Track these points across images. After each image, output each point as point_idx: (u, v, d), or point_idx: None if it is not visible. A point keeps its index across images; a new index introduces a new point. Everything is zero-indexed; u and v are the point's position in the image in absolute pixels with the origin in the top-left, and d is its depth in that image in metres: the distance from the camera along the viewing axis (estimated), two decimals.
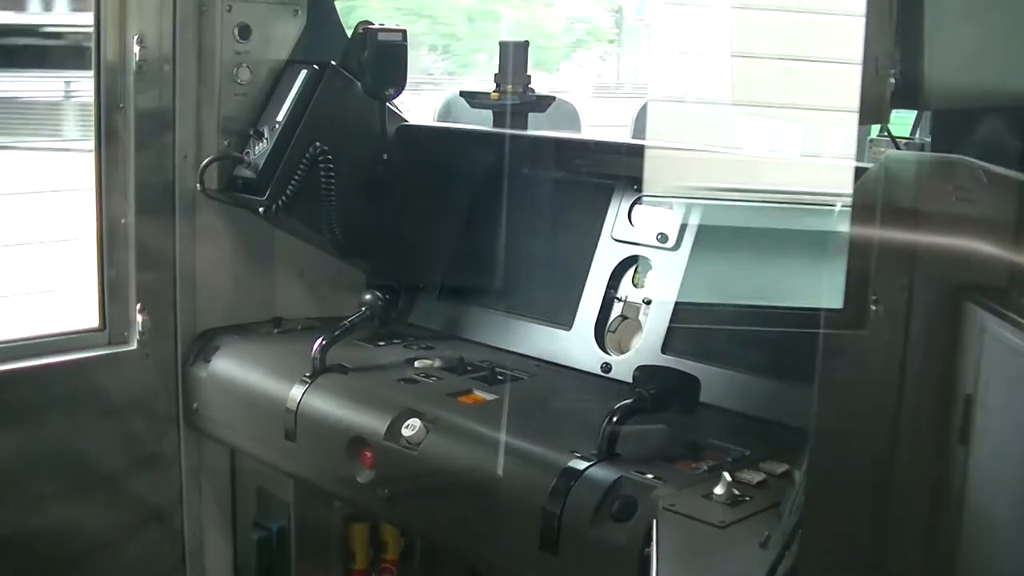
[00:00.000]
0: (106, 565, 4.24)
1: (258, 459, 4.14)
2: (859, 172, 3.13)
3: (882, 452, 1.92)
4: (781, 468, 3.04)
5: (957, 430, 1.81)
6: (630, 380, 3.34)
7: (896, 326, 1.88)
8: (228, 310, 4.45)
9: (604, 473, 3.03)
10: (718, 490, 2.85)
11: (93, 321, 4.27)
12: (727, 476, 2.88)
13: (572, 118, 5.94)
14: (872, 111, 2.57)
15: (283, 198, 4.17)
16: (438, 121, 5.71)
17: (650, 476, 3.00)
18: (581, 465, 3.07)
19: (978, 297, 1.79)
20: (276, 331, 4.43)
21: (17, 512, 3.98)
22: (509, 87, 4.47)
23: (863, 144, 4.63)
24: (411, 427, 3.47)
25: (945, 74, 2.40)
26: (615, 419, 3.14)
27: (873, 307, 1.91)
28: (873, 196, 2.02)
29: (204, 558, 4.53)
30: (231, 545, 4.59)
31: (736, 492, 2.86)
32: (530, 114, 4.56)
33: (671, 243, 3.86)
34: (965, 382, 1.80)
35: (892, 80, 2.49)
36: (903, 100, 2.51)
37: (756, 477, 2.99)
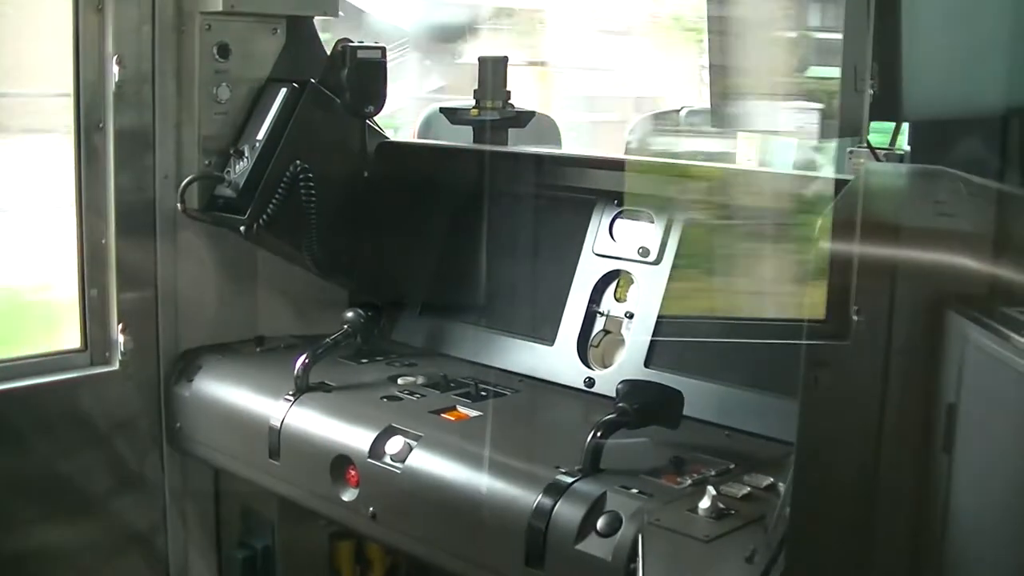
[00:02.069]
0: None
1: (242, 478, 4.12)
2: (839, 184, 3.16)
3: (866, 462, 1.93)
4: (766, 481, 3.04)
5: (940, 439, 1.82)
6: (613, 394, 3.34)
7: (878, 337, 1.89)
8: (210, 329, 4.44)
9: (589, 488, 3.03)
10: (703, 504, 2.85)
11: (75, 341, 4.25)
12: (712, 490, 2.88)
13: (552, 133, 5.93)
14: (851, 124, 2.58)
15: (264, 217, 4.16)
16: (418, 138, 5.71)
17: (635, 491, 3.00)
18: (566, 480, 3.07)
19: (960, 307, 1.79)
20: (259, 350, 4.42)
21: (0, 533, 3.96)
22: (489, 103, 4.47)
23: (842, 155, 4.64)
24: (395, 444, 3.47)
25: (924, 86, 2.41)
26: (599, 434, 3.14)
27: (855, 318, 1.92)
28: (853, 208, 2.03)
29: None
30: (216, 565, 4.57)
31: (721, 506, 2.86)
32: (510, 129, 4.56)
33: (653, 257, 3.86)
34: (948, 391, 1.81)
35: (871, 92, 2.50)
36: (882, 112, 2.52)
37: (741, 490, 2.98)
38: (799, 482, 2.11)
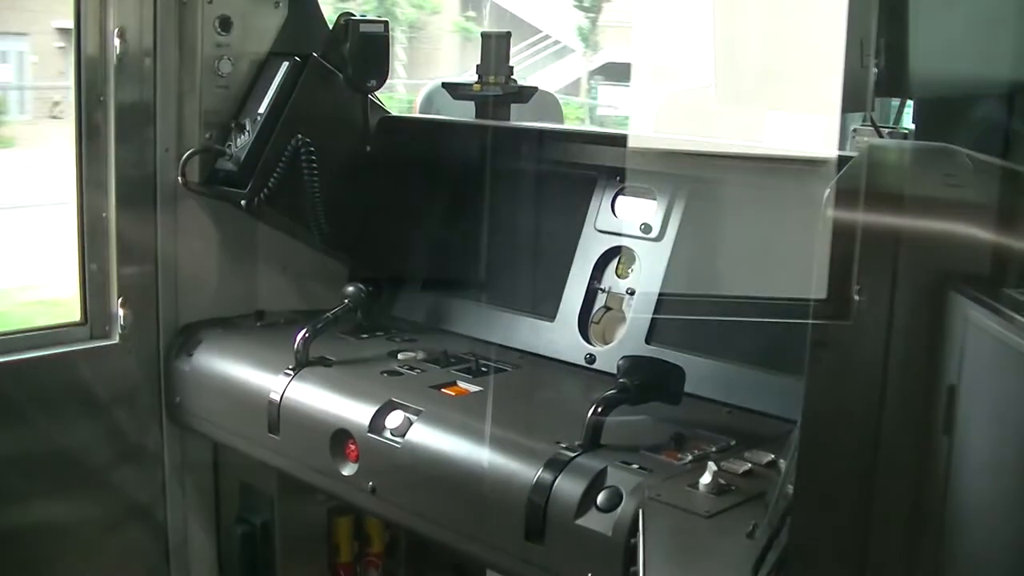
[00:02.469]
0: (89, 561, 4.23)
1: (242, 453, 4.12)
2: (842, 161, 3.15)
3: (868, 442, 1.92)
4: (766, 458, 3.03)
5: (941, 420, 1.81)
6: (614, 371, 3.33)
7: (880, 316, 1.87)
8: (210, 303, 4.44)
9: (589, 463, 3.02)
10: (704, 480, 2.85)
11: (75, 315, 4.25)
12: (713, 466, 2.88)
13: (554, 109, 5.91)
14: (855, 99, 2.56)
15: (265, 191, 4.16)
16: (420, 113, 5.69)
17: (635, 466, 3.00)
18: (566, 455, 3.06)
19: (962, 286, 1.78)
20: (259, 324, 4.42)
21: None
22: (491, 78, 4.45)
23: (846, 133, 4.63)
24: (395, 419, 3.46)
25: (929, 62, 2.40)
26: (599, 410, 3.14)
27: (857, 297, 1.91)
28: (856, 184, 2.02)
29: (188, 553, 4.51)
30: (215, 540, 4.58)
31: (722, 481, 2.86)
32: (512, 105, 4.54)
33: (655, 233, 3.85)
34: (949, 372, 1.80)
35: (875, 68, 2.49)
36: (888, 88, 2.51)
37: (741, 467, 2.98)
38: (803, 461, 2.10)
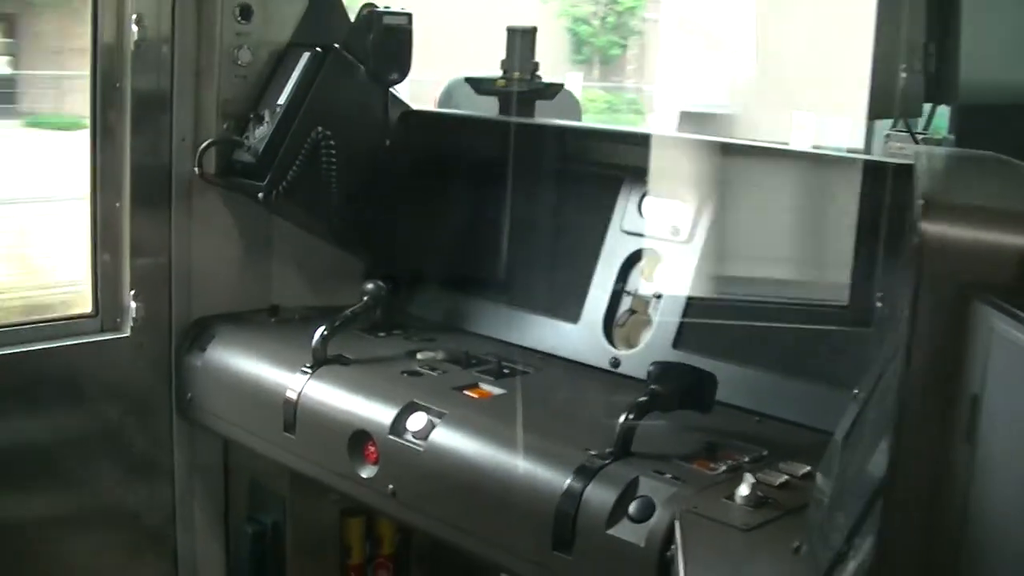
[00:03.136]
0: (96, 555, 4.16)
1: (254, 451, 4.04)
2: (870, 166, 3.08)
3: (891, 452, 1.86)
4: (802, 469, 2.95)
5: (963, 430, 1.75)
6: (639, 375, 3.27)
7: (901, 323, 1.82)
8: (224, 298, 4.35)
9: (621, 471, 2.94)
10: (742, 491, 2.76)
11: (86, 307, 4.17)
12: (750, 477, 2.79)
13: (573, 108, 5.84)
14: (881, 105, 2.51)
15: (283, 184, 4.08)
16: (439, 107, 5.62)
17: (668, 476, 2.92)
18: (597, 463, 2.98)
19: (986, 295, 1.72)
20: (273, 320, 4.34)
21: (5, 499, 3.91)
22: (516, 74, 4.37)
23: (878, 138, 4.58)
24: (417, 421, 3.39)
25: (979, 70, 2.36)
26: (631, 416, 3.05)
27: (879, 304, 1.86)
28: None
29: (196, 551, 4.44)
30: (224, 538, 4.51)
31: (760, 494, 2.77)
32: (537, 102, 4.46)
33: (683, 236, 3.77)
34: (972, 382, 1.74)
35: (903, 75, 2.44)
36: (938, 95, 2.46)
37: (778, 478, 2.90)
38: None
